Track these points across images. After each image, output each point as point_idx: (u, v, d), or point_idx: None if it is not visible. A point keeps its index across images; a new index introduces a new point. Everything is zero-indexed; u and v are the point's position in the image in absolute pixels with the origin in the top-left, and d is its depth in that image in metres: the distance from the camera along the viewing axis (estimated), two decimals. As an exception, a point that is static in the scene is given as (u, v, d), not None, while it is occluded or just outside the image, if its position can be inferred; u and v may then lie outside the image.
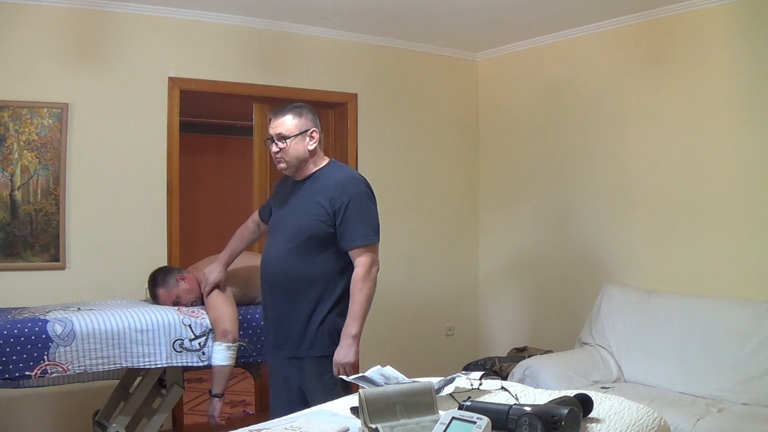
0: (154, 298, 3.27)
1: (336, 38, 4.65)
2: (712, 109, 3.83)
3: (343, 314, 2.65)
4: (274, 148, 2.70)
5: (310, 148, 2.70)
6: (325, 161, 2.78)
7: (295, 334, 2.69)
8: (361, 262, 2.62)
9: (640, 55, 4.19)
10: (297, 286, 2.68)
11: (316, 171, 2.73)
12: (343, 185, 2.64)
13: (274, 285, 2.74)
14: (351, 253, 2.64)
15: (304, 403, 2.59)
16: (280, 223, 2.78)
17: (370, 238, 2.63)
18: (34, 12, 3.73)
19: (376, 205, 2.72)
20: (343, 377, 2.19)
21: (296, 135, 2.67)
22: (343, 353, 2.61)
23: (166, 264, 3.87)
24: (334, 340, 2.65)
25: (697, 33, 3.89)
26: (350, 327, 2.61)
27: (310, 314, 2.65)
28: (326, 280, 2.66)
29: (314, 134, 2.71)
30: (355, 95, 4.76)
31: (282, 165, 2.73)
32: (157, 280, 3.25)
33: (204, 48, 4.22)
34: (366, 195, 2.68)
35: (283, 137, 2.67)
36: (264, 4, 4.07)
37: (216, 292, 3.14)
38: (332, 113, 4.86)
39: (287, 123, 2.68)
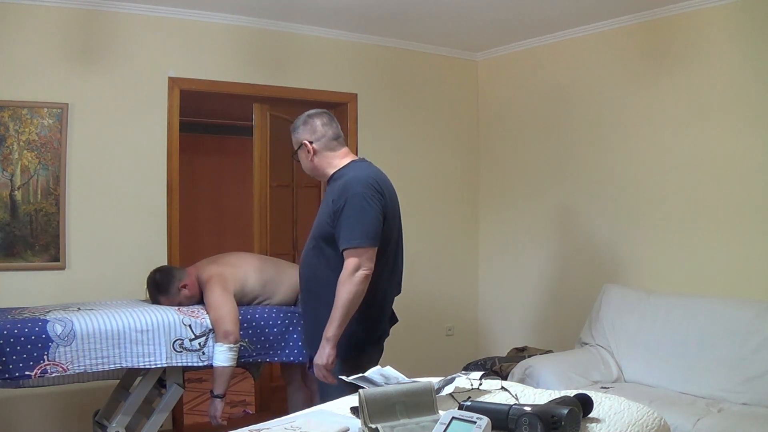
0: (155, 302, 3.26)
1: (336, 38, 4.65)
2: (713, 109, 3.83)
3: (360, 319, 2.60)
4: None
5: (309, 158, 2.75)
6: (346, 161, 2.74)
7: (317, 335, 2.63)
8: (345, 264, 2.55)
9: (640, 56, 4.19)
10: (313, 286, 2.70)
11: (335, 173, 2.72)
12: (344, 187, 2.61)
13: (301, 285, 2.81)
14: (343, 255, 2.58)
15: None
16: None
17: (356, 242, 2.54)
18: (34, 12, 3.73)
19: (378, 208, 2.59)
20: (343, 378, 2.18)
21: (296, 151, 2.80)
22: (317, 355, 2.59)
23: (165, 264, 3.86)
24: (350, 344, 2.60)
25: (697, 33, 3.89)
26: (326, 329, 2.56)
27: (326, 316, 2.59)
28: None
29: (307, 145, 2.73)
30: (355, 95, 4.76)
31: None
32: (159, 286, 3.24)
33: (204, 48, 4.22)
34: (363, 197, 2.57)
35: (293, 153, 2.83)
36: (264, 4, 4.07)
37: (218, 291, 3.14)
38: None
39: (292, 140, 2.81)
